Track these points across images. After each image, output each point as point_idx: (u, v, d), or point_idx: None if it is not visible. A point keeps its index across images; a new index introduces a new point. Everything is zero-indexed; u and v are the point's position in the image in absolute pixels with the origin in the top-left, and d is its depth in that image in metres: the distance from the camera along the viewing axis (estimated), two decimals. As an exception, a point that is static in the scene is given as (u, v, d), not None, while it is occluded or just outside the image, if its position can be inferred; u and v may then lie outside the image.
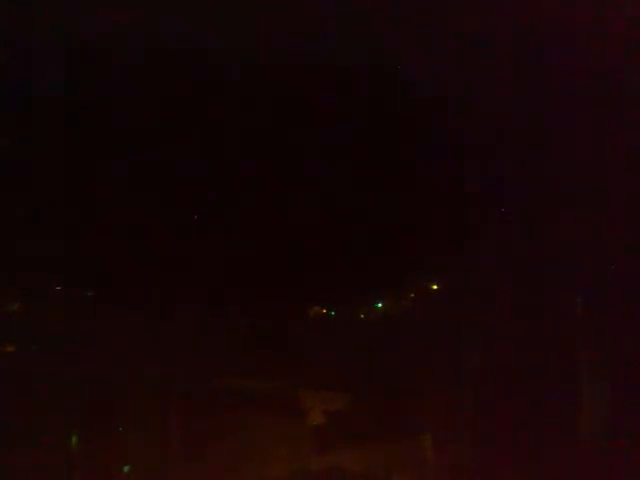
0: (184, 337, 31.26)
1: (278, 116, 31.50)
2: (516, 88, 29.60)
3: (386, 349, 32.08)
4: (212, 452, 29.95)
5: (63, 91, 31.10)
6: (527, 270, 30.23)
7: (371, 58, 30.31)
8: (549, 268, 29.87)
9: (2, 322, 31.52)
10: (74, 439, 30.17)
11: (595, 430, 29.22)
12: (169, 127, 31.32)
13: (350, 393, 31.94)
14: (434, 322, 32.12)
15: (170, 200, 31.63)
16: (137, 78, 31.28)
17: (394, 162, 32.06)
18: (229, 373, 31.49)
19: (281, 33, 30.01)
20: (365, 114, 31.62)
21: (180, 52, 31.10)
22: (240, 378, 31.55)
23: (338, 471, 30.11)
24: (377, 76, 31.03)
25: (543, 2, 27.86)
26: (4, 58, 30.45)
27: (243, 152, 31.86)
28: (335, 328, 33.53)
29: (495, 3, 28.32)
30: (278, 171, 32.25)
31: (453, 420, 30.66)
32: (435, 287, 33.75)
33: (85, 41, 30.79)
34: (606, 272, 29.24)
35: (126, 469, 29.82)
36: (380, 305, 34.10)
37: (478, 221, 30.95)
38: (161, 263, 31.46)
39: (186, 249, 31.72)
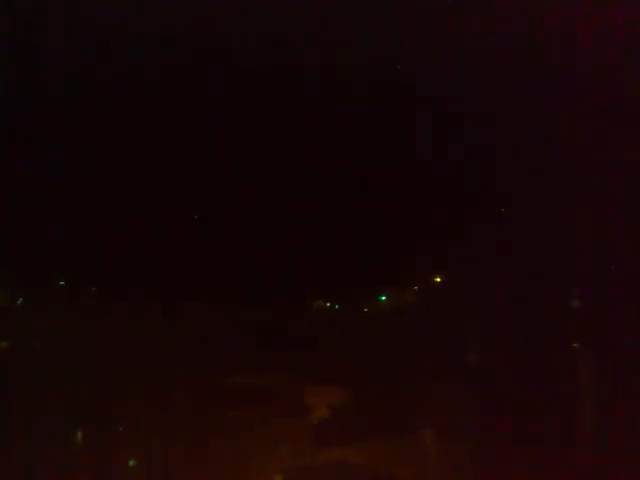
0: (187, 335, 31.46)
1: (279, 115, 31.59)
2: (517, 88, 29.60)
3: (389, 343, 32.22)
4: (220, 447, 30.15)
5: (63, 89, 31.30)
6: (527, 267, 30.37)
7: (371, 58, 30.32)
8: (549, 266, 30.01)
9: (5, 317, 31.79)
10: (76, 435, 30.46)
11: (593, 427, 29.45)
12: (170, 127, 31.46)
13: (353, 388, 32.11)
14: (437, 314, 32.24)
15: (173, 199, 31.81)
16: (137, 77, 31.39)
17: (395, 159, 32.17)
18: (232, 370, 31.70)
19: (281, 33, 30.05)
20: (366, 113, 31.67)
21: (181, 51, 31.18)
22: (243, 375, 31.77)
23: (343, 465, 30.31)
24: (378, 76, 31.05)
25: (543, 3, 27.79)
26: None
27: (245, 151, 32.00)
28: (338, 321, 33.71)
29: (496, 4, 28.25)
30: (281, 169, 32.39)
31: (454, 415, 30.84)
32: (438, 279, 33.88)
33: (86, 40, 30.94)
34: (605, 271, 29.34)
35: (131, 463, 30.07)
36: (383, 298, 34.26)
37: (480, 218, 31.07)
38: (164, 261, 31.68)
39: (189, 247, 31.93)
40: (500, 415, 29.73)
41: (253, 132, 31.67)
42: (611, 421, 28.69)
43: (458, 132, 30.39)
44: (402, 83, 30.89)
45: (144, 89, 31.18)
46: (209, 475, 29.34)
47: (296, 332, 32.36)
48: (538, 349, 29.77)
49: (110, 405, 30.22)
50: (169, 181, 31.53)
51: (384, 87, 31.13)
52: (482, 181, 30.46)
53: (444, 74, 29.72)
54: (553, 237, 29.73)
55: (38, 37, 30.71)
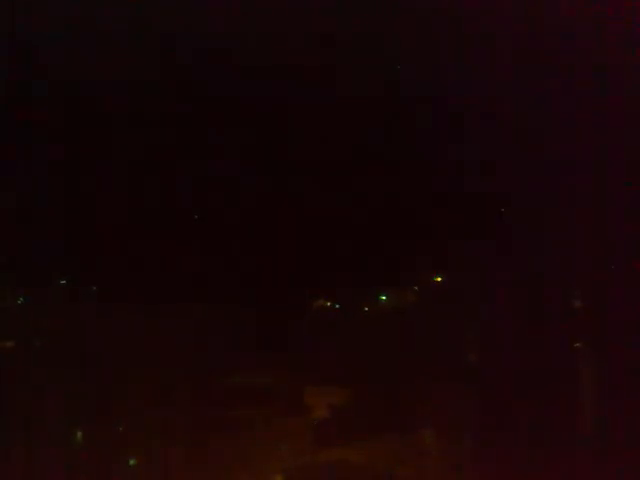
0: (187, 335, 31.45)
1: (278, 115, 31.60)
2: (516, 87, 29.62)
3: (389, 342, 32.23)
4: (220, 447, 30.22)
5: (63, 89, 31.35)
6: (527, 267, 30.39)
7: (371, 58, 30.39)
8: (549, 266, 30.03)
9: (5, 317, 31.79)
10: (76, 435, 30.49)
11: (593, 427, 29.47)
12: (170, 127, 31.48)
13: (353, 388, 32.12)
14: (437, 314, 32.24)
15: (172, 199, 31.82)
16: (137, 77, 31.40)
17: (395, 159, 32.19)
18: (232, 370, 31.68)
19: (280, 33, 30.09)
20: (366, 113, 31.67)
21: (182, 51, 31.22)
22: (243, 375, 31.77)
23: (343, 465, 30.37)
24: (378, 75, 31.10)
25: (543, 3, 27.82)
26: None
27: (244, 150, 32.01)
28: (338, 321, 33.70)
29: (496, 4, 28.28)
30: (280, 168, 32.38)
31: (454, 415, 30.87)
32: (439, 279, 33.85)
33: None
34: (607, 271, 29.35)
35: (131, 463, 30.12)
36: (384, 298, 34.25)
37: (480, 218, 31.08)
38: (164, 261, 31.67)
39: (188, 247, 31.93)
40: (500, 415, 29.76)
41: (253, 132, 31.67)
42: (612, 422, 28.72)
43: (458, 132, 30.39)
44: (402, 83, 30.90)
45: (144, 89, 31.17)
46: (209, 475, 29.45)
47: (296, 332, 32.31)
48: (539, 349, 29.77)
49: (110, 405, 30.21)
50: (169, 181, 31.51)
51: (384, 87, 31.14)
52: (482, 181, 30.45)
53: (444, 74, 29.71)
54: (553, 237, 29.73)
55: (38, 37, 30.70)
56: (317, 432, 31.51)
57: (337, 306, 34.28)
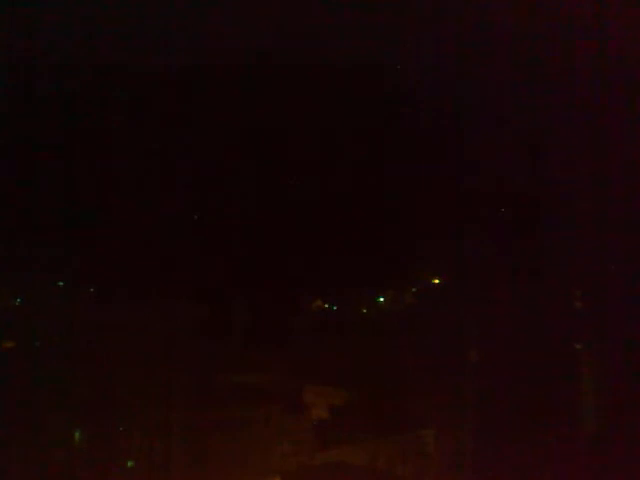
0: (186, 333, 31.44)
1: (279, 115, 31.65)
2: (517, 88, 29.71)
3: (388, 343, 32.26)
4: (220, 447, 30.20)
5: (62, 88, 31.39)
6: (527, 267, 30.43)
7: (371, 57, 30.45)
8: (549, 266, 30.07)
9: (4, 318, 31.74)
10: (76, 435, 30.43)
11: (593, 425, 29.50)
12: (170, 127, 31.51)
13: (353, 388, 32.15)
14: (436, 316, 32.25)
15: (171, 198, 31.84)
16: (138, 76, 31.46)
17: (395, 158, 32.26)
18: (232, 370, 31.69)
19: (281, 32, 30.18)
20: (366, 113, 31.75)
21: (182, 51, 31.27)
22: (243, 374, 31.79)
23: (343, 465, 30.35)
24: (379, 75, 31.18)
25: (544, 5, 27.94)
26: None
27: (244, 150, 32.05)
28: (338, 322, 33.75)
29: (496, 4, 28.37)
30: (280, 169, 32.44)
31: (454, 415, 30.89)
32: (437, 281, 33.90)
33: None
34: (607, 273, 29.38)
35: (131, 463, 30.08)
36: (382, 299, 34.29)
37: (480, 218, 31.14)
38: (163, 261, 31.67)
39: (188, 247, 31.94)
40: (501, 416, 29.77)
41: (253, 131, 31.72)
42: (613, 422, 28.76)
43: (458, 132, 30.48)
44: (402, 83, 31.00)
45: (145, 89, 31.23)
46: (209, 475, 29.43)
47: (295, 332, 32.36)
48: (540, 350, 29.78)
49: (110, 405, 30.17)
50: (169, 181, 31.55)
51: (382, 86, 31.23)
52: (482, 181, 30.52)
53: (444, 74, 29.81)
54: (554, 238, 29.78)
55: (38, 36, 30.75)
56: (317, 432, 31.52)
57: (334, 308, 34.35)
